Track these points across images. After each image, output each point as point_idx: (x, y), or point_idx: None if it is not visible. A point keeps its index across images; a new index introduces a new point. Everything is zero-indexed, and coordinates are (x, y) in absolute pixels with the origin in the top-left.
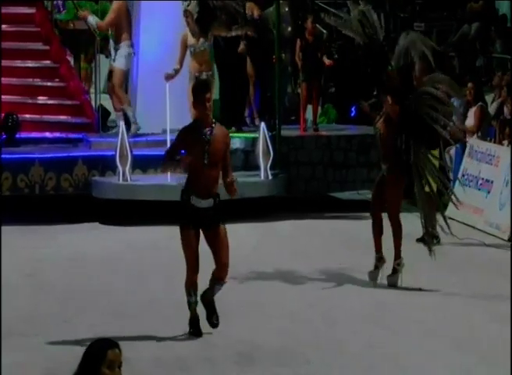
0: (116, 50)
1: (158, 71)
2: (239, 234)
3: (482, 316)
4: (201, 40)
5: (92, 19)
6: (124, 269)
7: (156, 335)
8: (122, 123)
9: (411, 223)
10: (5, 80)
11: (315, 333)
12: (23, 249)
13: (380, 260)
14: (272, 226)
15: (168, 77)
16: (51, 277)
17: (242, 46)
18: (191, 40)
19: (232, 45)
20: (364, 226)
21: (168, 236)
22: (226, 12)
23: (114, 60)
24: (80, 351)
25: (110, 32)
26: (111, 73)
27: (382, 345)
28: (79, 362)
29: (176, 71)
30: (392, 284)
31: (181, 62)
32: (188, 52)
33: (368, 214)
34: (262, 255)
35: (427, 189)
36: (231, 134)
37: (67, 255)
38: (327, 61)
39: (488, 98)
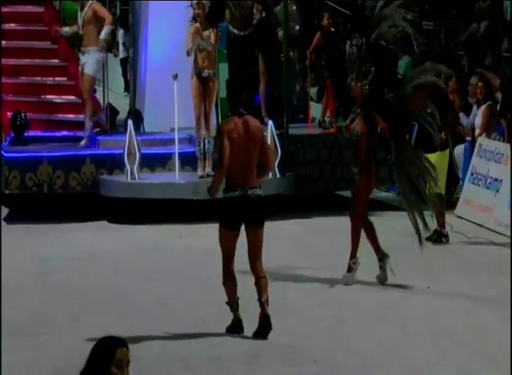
0: (84, 53)
1: (165, 71)
2: (243, 232)
3: (491, 316)
4: (206, 35)
5: (66, 29)
6: (132, 268)
7: (163, 334)
8: (130, 122)
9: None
10: (13, 78)
11: (323, 332)
12: (31, 248)
13: (382, 260)
14: (279, 224)
15: (175, 75)
16: (59, 276)
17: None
18: (198, 35)
19: (246, 43)
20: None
21: (177, 234)
22: (241, 9)
23: (83, 65)
24: (88, 350)
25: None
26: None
27: (391, 344)
28: (86, 360)
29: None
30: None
31: (190, 45)
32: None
33: (376, 212)
34: (269, 254)
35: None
36: None
37: (75, 254)
38: None
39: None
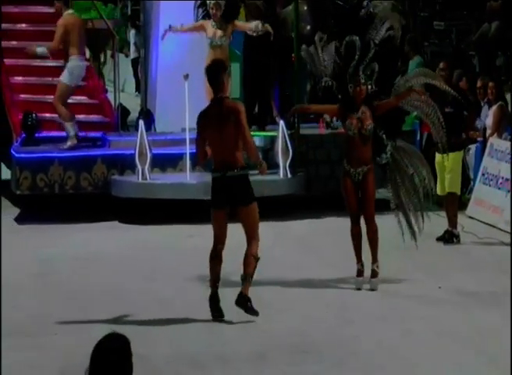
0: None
1: (176, 71)
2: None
3: (499, 317)
4: (219, 33)
5: (41, 50)
6: (139, 268)
7: (169, 333)
8: (141, 122)
9: (431, 222)
10: (24, 79)
11: (329, 333)
12: (37, 248)
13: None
14: (289, 225)
15: (186, 75)
16: (63, 276)
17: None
18: (210, 31)
19: (260, 44)
20: (383, 225)
21: (187, 235)
22: (251, 9)
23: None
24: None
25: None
26: None
27: (396, 345)
28: (90, 358)
29: (171, 28)
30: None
31: (184, 29)
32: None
33: (386, 212)
34: (278, 254)
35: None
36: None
37: (81, 255)
38: None
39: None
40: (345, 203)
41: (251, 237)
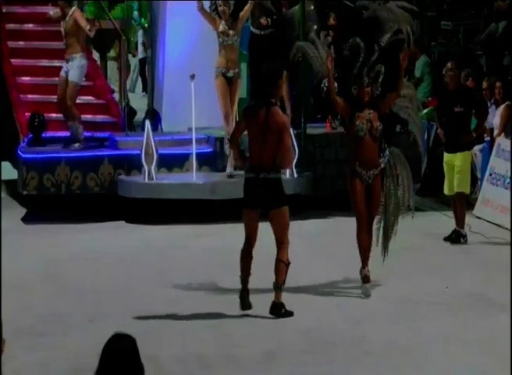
0: (68, 61)
1: (183, 71)
2: (262, 233)
3: (507, 317)
4: (232, 33)
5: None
6: (147, 268)
7: (178, 333)
8: (147, 122)
9: (438, 221)
10: (31, 79)
11: (339, 333)
12: (47, 248)
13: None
14: (297, 224)
15: (192, 75)
16: (73, 276)
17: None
18: (221, 27)
19: (266, 43)
20: None
21: (193, 235)
22: (260, 8)
23: (67, 71)
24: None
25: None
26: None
27: (405, 345)
28: (99, 360)
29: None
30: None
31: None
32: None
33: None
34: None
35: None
36: None
37: (90, 255)
38: None
39: None
40: (352, 205)
41: (281, 241)
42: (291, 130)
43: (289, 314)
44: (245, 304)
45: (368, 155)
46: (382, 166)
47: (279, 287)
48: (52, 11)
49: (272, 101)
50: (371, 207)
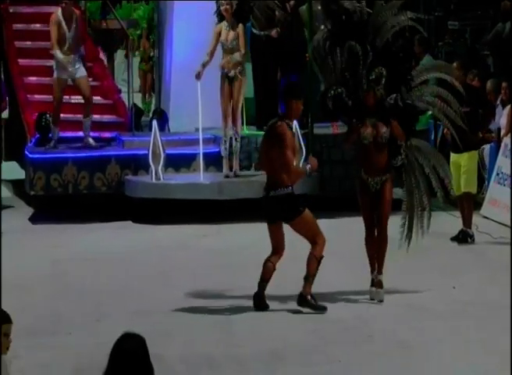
0: (74, 61)
1: (190, 71)
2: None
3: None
4: (232, 36)
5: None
6: (153, 268)
7: (182, 333)
8: (154, 122)
9: (445, 221)
10: (38, 79)
11: (346, 333)
12: (54, 248)
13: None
14: None
15: (198, 74)
16: (79, 276)
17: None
18: (224, 34)
19: (268, 44)
20: (397, 225)
21: (200, 235)
22: (263, 10)
23: (76, 72)
24: (107, 349)
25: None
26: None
27: (413, 345)
28: (108, 359)
29: (204, 64)
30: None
31: (211, 55)
32: (220, 48)
33: (396, 212)
34: (294, 255)
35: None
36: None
37: (96, 254)
38: None
39: None
40: (361, 213)
41: (312, 242)
42: (299, 130)
43: (317, 308)
44: (259, 306)
45: (373, 162)
46: (399, 163)
47: (307, 278)
48: None
49: (280, 116)
50: (380, 214)
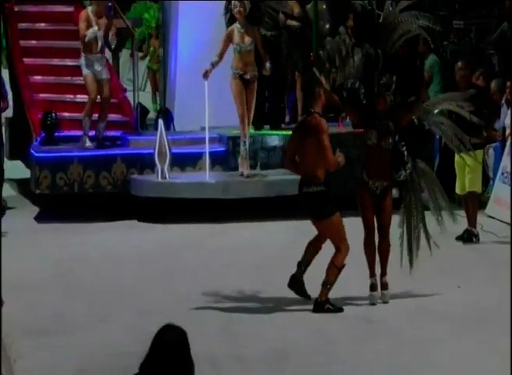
0: (95, 60)
1: (195, 69)
2: (274, 232)
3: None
4: (248, 39)
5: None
6: (159, 267)
7: (188, 332)
8: (160, 121)
9: (450, 220)
10: (43, 78)
11: (350, 333)
12: (59, 247)
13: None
14: (309, 224)
15: (206, 73)
16: (85, 275)
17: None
18: (237, 37)
19: (273, 44)
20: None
21: (206, 234)
22: (267, 12)
23: (100, 71)
24: (113, 349)
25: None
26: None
27: (418, 345)
28: (148, 351)
29: (214, 64)
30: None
31: (221, 56)
32: (232, 49)
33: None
34: (298, 254)
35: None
36: (268, 132)
37: (102, 253)
38: None
39: None
40: (360, 215)
41: (336, 247)
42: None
43: (334, 310)
44: (299, 292)
45: (375, 166)
46: (402, 179)
47: (325, 285)
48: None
49: (312, 111)
50: (381, 219)
